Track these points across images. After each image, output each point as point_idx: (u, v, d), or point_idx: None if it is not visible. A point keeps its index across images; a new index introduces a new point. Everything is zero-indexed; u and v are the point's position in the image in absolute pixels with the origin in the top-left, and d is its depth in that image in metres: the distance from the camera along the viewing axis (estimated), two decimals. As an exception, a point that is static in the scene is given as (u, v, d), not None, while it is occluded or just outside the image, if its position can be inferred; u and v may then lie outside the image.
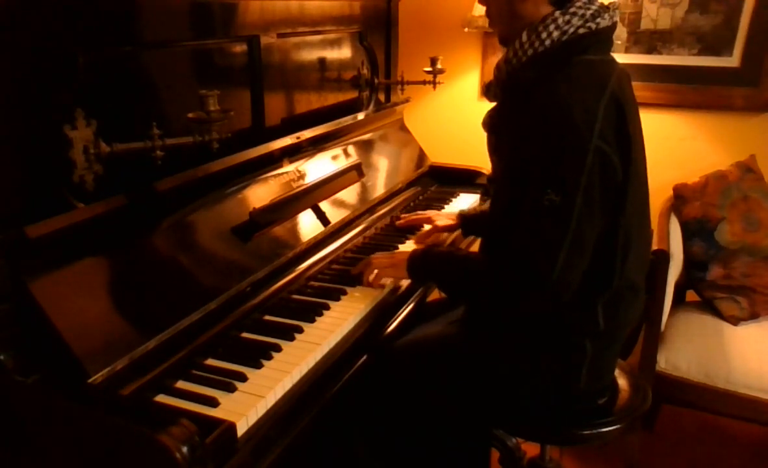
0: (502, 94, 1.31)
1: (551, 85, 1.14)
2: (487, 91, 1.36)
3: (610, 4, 1.22)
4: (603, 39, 1.21)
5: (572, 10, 1.18)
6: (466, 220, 1.78)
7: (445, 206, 2.06)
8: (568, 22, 1.17)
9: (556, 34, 1.18)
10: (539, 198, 1.12)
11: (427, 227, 1.83)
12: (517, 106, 1.22)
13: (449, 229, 1.81)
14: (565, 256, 1.12)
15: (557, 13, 1.18)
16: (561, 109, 1.12)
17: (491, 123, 1.34)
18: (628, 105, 1.17)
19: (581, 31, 1.18)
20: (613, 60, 1.24)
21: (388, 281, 1.47)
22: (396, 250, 1.65)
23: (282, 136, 1.57)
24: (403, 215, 1.90)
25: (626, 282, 1.23)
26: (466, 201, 2.11)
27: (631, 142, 1.16)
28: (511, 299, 1.22)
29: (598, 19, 1.18)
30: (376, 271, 1.44)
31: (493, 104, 1.35)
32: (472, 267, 1.29)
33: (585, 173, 1.10)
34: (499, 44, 1.34)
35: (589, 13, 1.18)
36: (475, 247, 1.86)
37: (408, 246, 1.70)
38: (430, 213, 1.89)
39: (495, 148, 1.34)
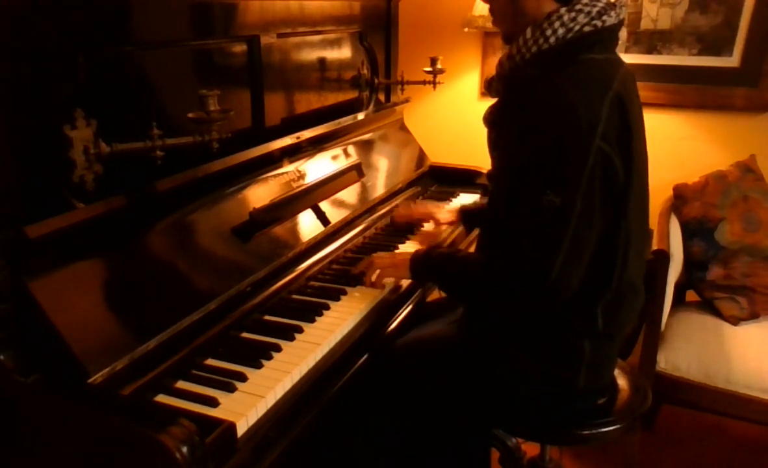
0: (503, 90, 1.30)
1: (555, 83, 1.13)
2: (489, 86, 1.36)
3: (616, 0, 1.20)
4: (609, 37, 1.20)
5: (578, 7, 1.16)
6: (467, 215, 1.78)
7: (445, 206, 2.05)
8: (574, 19, 1.16)
9: (561, 31, 1.16)
10: (539, 198, 1.11)
11: (427, 226, 1.83)
12: (519, 102, 1.22)
13: (450, 225, 1.81)
14: (564, 257, 1.11)
15: (563, 10, 1.16)
16: (564, 108, 1.11)
17: (492, 119, 1.34)
18: (632, 105, 1.16)
19: (587, 29, 1.16)
20: (618, 59, 1.23)
21: (389, 281, 1.47)
22: (397, 251, 1.65)
23: (282, 136, 1.57)
24: (401, 212, 1.88)
25: (626, 283, 1.22)
26: (466, 201, 2.10)
27: (633, 144, 1.15)
28: (510, 299, 1.22)
29: (605, 17, 1.16)
30: (378, 271, 1.44)
31: (495, 100, 1.35)
32: (471, 268, 1.29)
33: (586, 174, 1.09)
34: (502, 42, 1.33)
35: (595, 10, 1.16)
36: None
37: (408, 246, 1.70)
38: (430, 207, 1.88)
39: (495, 144, 1.33)
